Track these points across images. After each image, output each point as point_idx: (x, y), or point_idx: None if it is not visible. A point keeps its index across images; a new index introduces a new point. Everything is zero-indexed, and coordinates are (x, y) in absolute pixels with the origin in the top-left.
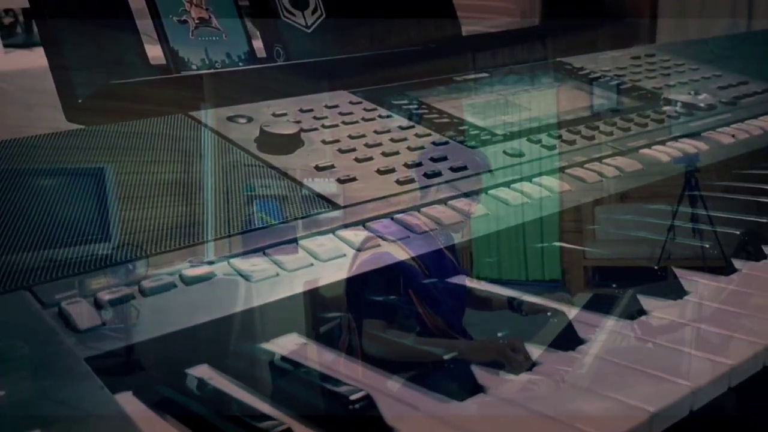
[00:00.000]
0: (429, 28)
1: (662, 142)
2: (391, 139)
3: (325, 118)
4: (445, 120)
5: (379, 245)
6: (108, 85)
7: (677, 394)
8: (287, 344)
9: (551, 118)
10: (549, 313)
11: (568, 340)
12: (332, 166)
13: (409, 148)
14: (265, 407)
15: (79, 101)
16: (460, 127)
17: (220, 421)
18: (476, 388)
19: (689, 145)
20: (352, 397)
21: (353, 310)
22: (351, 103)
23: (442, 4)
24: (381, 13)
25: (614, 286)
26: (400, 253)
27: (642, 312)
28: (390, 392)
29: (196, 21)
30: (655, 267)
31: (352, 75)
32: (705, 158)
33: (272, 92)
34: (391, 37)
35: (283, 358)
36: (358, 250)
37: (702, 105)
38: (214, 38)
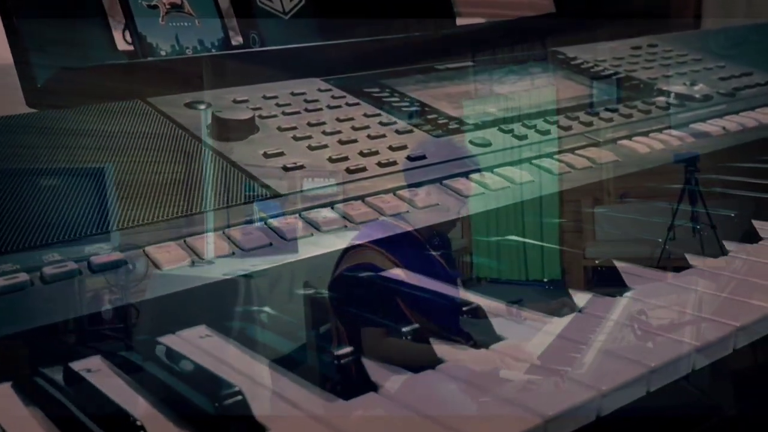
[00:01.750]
0: (415, 17)
1: (645, 134)
2: (352, 127)
3: (288, 105)
4: (415, 108)
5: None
6: (66, 69)
7: (581, 398)
8: (189, 336)
9: (529, 109)
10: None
11: (485, 336)
12: (281, 154)
13: (369, 137)
14: (136, 403)
15: (39, 86)
16: (429, 116)
17: (81, 416)
18: (368, 386)
19: (674, 137)
20: (221, 394)
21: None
22: (319, 90)
23: None
24: (363, 1)
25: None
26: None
27: (574, 309)
28: (274, 389)
29: (168, 6)
30: (597, 262)
31: (327, 62)
32: (690, 150)
33: (242, 79)
34: (373, 25)
35: (168, 352)
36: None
37: (697, 96)
38: (185, 24)
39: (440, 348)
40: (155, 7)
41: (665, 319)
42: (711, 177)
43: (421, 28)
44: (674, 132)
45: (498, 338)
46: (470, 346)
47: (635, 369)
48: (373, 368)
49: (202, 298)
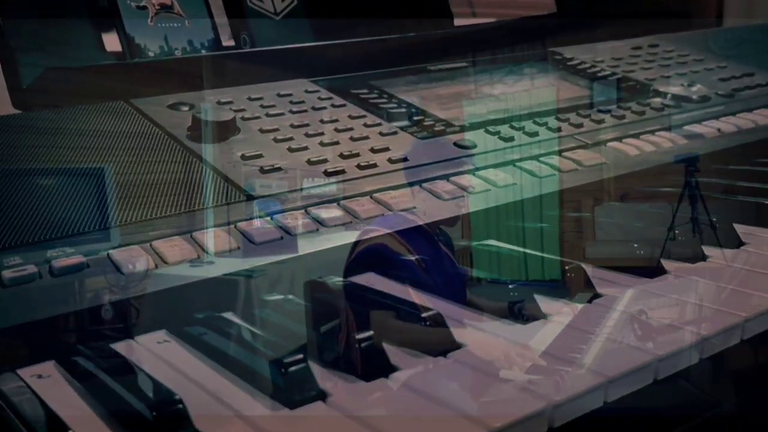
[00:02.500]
0: (411, 17)
1: (637, 135)
2: (336, 129)
3: (272, 106)
4: (402, 110)
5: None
6: (52, 70)
7: (531, 409)
8: (147, 342)
9: (519, 110)
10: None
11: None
12: (260, 156)
13: (351, 139)
14: (79, 411)
15: (24, 87)
16: (416, 118)
17: (17, 425)
18: (316, 395)
19: (665, 139)
20: (161, 403)
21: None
22: (307, 91)
23: None
24: (357, 2)
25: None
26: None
27: (540, 316)
28: (221, 397)
29: (157, 7)
30: (566, 269)
31: (319, 63)
32: (681, 153)
33: (232, 80)
34: (367, 25)
35: (118, 358)
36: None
37: (694, 97)
38: (175, 25)
39: (396, 356)
40: (144, 8)
41: (630, 327)
42: (700, 180)
43: (418, 29)
44: (666, 134)
45: (458, 346)
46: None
47: (593, 378)
48: (323, 376)
49: (164, 303)
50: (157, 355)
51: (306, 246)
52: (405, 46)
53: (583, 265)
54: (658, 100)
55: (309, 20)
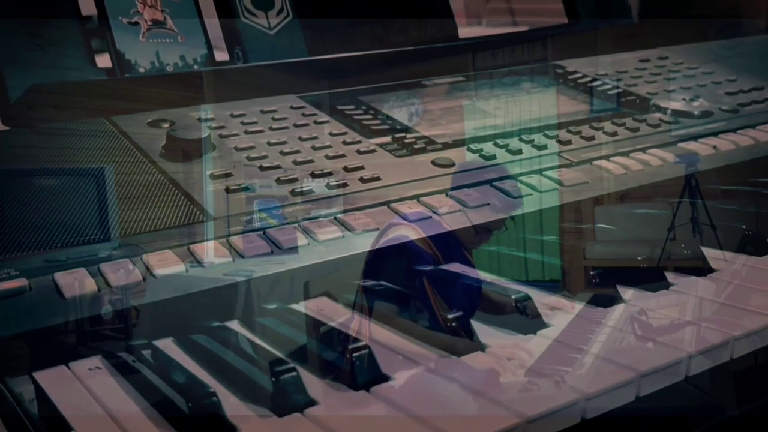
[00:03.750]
0: (413, 29)
1: (626, 153)
2: (313, 147)
3: (253, 123)
4: (386, 127)
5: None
6: (41, 86)
7: None
8: (79, 369)
9: (507, 126)
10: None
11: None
12: (229, 175)
13: (326, 157)
14: None
15: (11, 103)
16: (398, 135)
17: None
18: (226, 430)
19: (656, 157)
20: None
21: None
22: (292, 108)
23: (437, 6)
24: (352, 15)
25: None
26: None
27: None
28: (127, 429)
29: (149, 23)
30: (514, 298)
31: (312, 78)
32: (673, 171)
33: (221, 95)
34: (365, 39)
35: (34, 387)
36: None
37: (695, 112)
38: (167, 40)
39: (315, 389)
40: (136, 23)
41: (574, 359)
42: (684, 200)
43: (417, 42)
44: (658, 151)
45: (383, 379)
46: (350, 387)
47: (508, 419)
48: (237, 410)
49: (105, 327)
50: (84, 383)
51: (258, 269)
52: (401, 60)
53: (533, 294)
54: (656, 115)
55: (304, 35)
